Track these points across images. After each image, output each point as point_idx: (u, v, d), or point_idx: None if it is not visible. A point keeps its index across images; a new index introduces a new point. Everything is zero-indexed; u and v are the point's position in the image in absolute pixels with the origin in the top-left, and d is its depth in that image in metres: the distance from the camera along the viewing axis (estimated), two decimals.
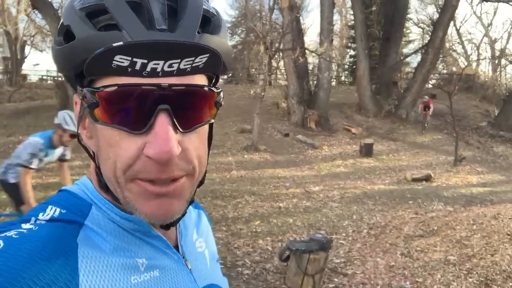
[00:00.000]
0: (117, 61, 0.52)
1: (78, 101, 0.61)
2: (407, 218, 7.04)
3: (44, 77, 32.10)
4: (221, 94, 0.62)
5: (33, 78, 32.32)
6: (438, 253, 5.46)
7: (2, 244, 0.51)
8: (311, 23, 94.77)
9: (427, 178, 11.21)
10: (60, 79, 23.61)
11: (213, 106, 0.61)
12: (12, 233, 0.53)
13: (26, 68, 32.40)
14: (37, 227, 0.55)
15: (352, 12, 24.56)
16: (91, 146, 0.62)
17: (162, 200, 0.57)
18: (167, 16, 0.55)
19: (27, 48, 31.00)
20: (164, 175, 0.56)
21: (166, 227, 0.64)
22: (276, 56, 17.42)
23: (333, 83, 27.46)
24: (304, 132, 17.27)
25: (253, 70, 31.70)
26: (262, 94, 15.09)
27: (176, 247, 0.70)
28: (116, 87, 0.53)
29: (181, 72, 0.54)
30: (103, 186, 0.61)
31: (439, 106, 19.09)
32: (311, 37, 53.44)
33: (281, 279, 4.68)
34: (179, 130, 0.56)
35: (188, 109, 0.57)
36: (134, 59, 0.52)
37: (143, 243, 0.64)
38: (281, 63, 20.79)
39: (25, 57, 30.77)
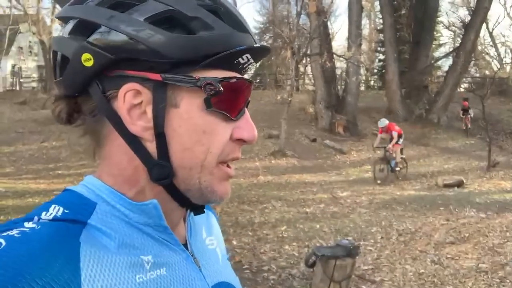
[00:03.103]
0: (242, 58, 0.62)
1: (143, 90, 0.60)
2: (437, 225, 6.88)
3: None
4: None
5: None
6: (470, 260, 5.31)
7: (4, 243, 0.51)
8: (339, 27, 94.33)
9: (459, 184, 10.93)
10: None
11: None
12: (14, 232, 0.53)
13: None
14: (39, 226, 0.55)
15: (381, 16, 24.30)
16: (148, 137, 0.61)
17: (228, 181, 0.67)
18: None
19: None
20: (240, 155, 0.67)
21: (202, 210, 0.70)
22: (303, 61, 17.38)
23: (362, 88, 27.18)
24: (331, 137, 17.14)
25: (281, 75, 31.69)
26: (289, 99, 15.07)
27: (185, 245, 0.69)
28: (235, 80, 0.62)
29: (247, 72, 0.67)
30: (162, 178, 0.61)
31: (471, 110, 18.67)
32: (340, 42, 53.20)
33: (307, 285, 4.65)
34: None
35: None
36: (250, 59, 0.63)
37: (151, 240, 0.63)
38: (309, 68, 20.74)
39: None
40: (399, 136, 12.12)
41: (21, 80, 30.95)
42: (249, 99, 0.67)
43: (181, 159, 0.61)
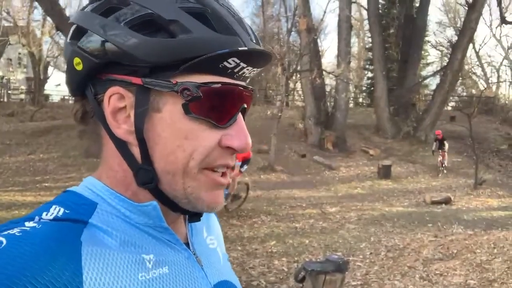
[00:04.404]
0: (228, 62, 0.59)
1: (126, 94, 0.61)
2: (426, 241, 6.90)
3: (66, 97, 32.75)
4: None
5: (55, 98, 32.99)
6: (458, 277, 5.33)
7: (4, 242, 0.50)
8: (328, 45, 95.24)
9: (447, 201, 11.00)
10: None
11: None
12: (15, 231, 0.53)
13: (48, 88, 32.99)
14: (40, 226, 0.55)
15: (369, 35, 24.65)
16: (132, 140, 0.61)
17: (219, 190, 0.65)
18: (251, 30, 0.64)
19: (50, 69, 31.70)
20: (232, 162, 0.64)
21: (198, 218, 0.69)
22: (293, 77, 17.51)
23: (351, 105, 27.40)
24: (321, 153, 17.21)
25: (271, 91, 31.86)
26: (279, 115, 15.14)
27: (187, 244, 0.69)
28: (220, 85, 0.60)
29: (246, 78, 0.64)
30: (146, 182, 0.61)
31: (458, 128, 18.84)
32: (329, 59, 53.67)
33: None
34: None
35: (247, 110, 0.67)
36: (241, 63, 0.60)
37: (152, 239, 0.63)
38: (298, 85, 20.90)
39: (48, 78, 31.41)
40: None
41: (9, 91, 30.67)
42: (245, 106, 0.64)
43: (165, 164, 0.60)
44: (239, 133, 0.62)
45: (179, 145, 0.59)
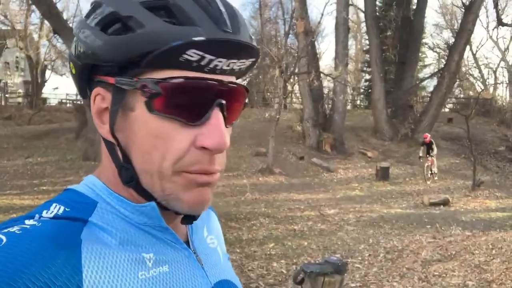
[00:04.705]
0: (188, 55, 0.55)
1: (105, 94, 0.61)
2: (424, 243, 6.91)
3: (64, 101, 32.75)
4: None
5: (53, 101, 32.99)
6: (457, 278, 5.33)
7: (4, 240, 0.50)
8: (326, 47, 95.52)
9: (445, 203, 11.02)
10: (79, 102, 24.06)
11: (243, 106, 0.66)
12: (15, 228, 0.53)
13: (46, 91, 32.94)
14: (40, 223, 0.55)
15: (367, 37, 24.69)
16: (114, 139, 0.61)
17: (203, 188, 0.60)
18: (229, 19, 0.58)
19: (47, 72, 31.65)
20: (212, 167, 0.59)
21: (190, 220, 0.66)
22: (291, 79, 17.54)
23: (348, 107, 27.45)
24: (319, 155, 17.21)
25: (268, 93, 31.90)
26: (277, 117, 15.15)
27: (187, 243, 0.69)
28: (182, 80, 0.56)
29: (231, 72, 0.60)
30: (129, 181, 0.61)
31: (455, 130, 18.87)
32: (326, 61, 53.89)
33: None
34: (226, 125, 0.60)
35: (233, 106, 0.61)
36: (205, 55, 0.55)
37: (152, 238, 0.63)
38: (296, 87, 20.93)
39: (45, 81, 31.38)
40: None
41: (7, 95, 30.64)
42: (221, 101, 0.58)
43: (142, 164, 0.60)
44: (212, 131, 0.57)
45: (153, 145, 0.58)
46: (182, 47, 0.54)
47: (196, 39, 0.54)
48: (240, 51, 0.58)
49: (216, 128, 0.57)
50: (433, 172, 14.78)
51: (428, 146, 14.81)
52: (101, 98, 0.62)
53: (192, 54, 0.55)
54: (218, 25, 0.57)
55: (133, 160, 0.60)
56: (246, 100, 0.66)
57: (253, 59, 0.61)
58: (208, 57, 0.56)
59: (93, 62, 0.60)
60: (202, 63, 0.56)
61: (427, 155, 14.74)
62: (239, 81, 0.63)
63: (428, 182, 14.35)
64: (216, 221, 0.86)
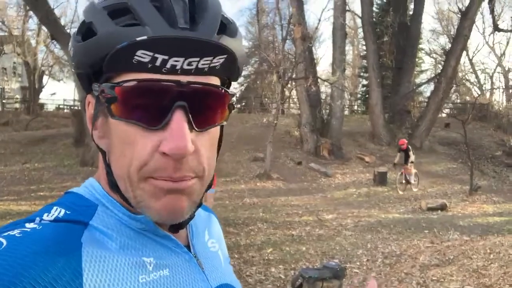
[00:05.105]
0: (138, 56, 0.53)
1: (92, 100, 0.62)
2: (422, 247, 6.91)
3: (61, 106, 32.68)
4: (234, 97, 0.63)
5: (50, 107, 32.90)
6: (455, 282, 5.33)
7: (5, 243, 0.50)
8: (323, 53, 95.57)
9: (443, 207, 11.02)
10: (76, 107, 24.05)
11: (226, 109, 0.62)
12: (15, 232, 0.53)
13: (43, 97, 33.04)
14: (41, 227, 0.55)
15: (364, 43, 24.79)
16: (102, 146, 0.62)
17: (172, 195, 0.57)
18: (188, 17, 0.57)
19: (45, 78, 31.62)
20: (178, 173, 0.56)
21: (175, 229, 0.64)
22: (288, 85, 17.57)
23: (346, 112, 27.48)
24: (317, 161, 17.21)
25: (266, 99, 31.93)
26: (275, 122, 15.16)
27: (187, 247, 0.69)
28: (135, 82, 0.54)
29: (199, 72, 0.56)
30: (113, 186, 0.61)
31: (453, 135, 18.90)
32: (324, 67, 53.83)
33: None
34: (194, 129, 0.56)
35: (203, 108, 0.58)
36: (156, 55, 0.53)
37: (152, 242, 0.63)
38: (294, 92, 20.96)
39: (43, 87, 31.34)
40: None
41: (4, 101, 30.58)
42: (181, 103, 0.55)
43: (116, 169, 0.59)
44: (172, 136, 0.54)
45: (121, 150, 0.57)
46: (128, 49, 0.53)
47: (138, 39, 0.53)
48: (199, 48, 0.54)
49: (175, 133, 0.54)
50: (409, 181, 13.62)
51: (406, 154, 13.71)
52: (91, 105, 0.63)
53: (142, 55, 0.53)
54: (169, 22, 0.55)
55: (111, 165, 0.60)
56: (234, 102, 0.63)
57: (225, 56, 0.57)
58: (161, 57, 0.53)
59: (77, 70, 0.61)
60: (157, 63, 0.54)
61: (405, 163, 13.60)
62: (217, 81, 0.60)
63: (400, 192, 13.26)
64: (217, 225, 0.86)
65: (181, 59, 0.54)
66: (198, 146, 0.58)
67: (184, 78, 0.55)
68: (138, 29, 0.54)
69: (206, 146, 0.59)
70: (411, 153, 13.70)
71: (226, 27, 0.61)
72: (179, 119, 0.55)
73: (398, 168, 13.92)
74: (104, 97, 0.56)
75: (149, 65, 0.54)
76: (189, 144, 0.54)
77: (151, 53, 0.53)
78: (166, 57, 0.53)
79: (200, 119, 0.57)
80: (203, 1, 0.59)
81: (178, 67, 0.54)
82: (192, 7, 0.58)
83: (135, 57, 0.53)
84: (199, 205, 0.64)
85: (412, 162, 13.66)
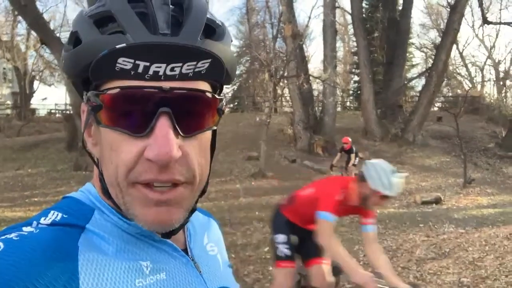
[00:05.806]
0: (120, 64, 0.53)
1: (85, 108, 0.62)
2: (418, 241, 6.94)
3: (53, 111, 32.51)
4: (223, 101, 0.62)
5: (42, 112, 32.71)
6: (451, 275, 5.36)
7: (2, 246, 0.51)
8: (314, 50, 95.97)
9: (437, 201, 11.08)
10: (68, 112, 23.91)
11: (215, 113, 0.61)
12: (12, 235, 0.53)
13: (34, 102, 32.71)
14: (38, 230, 0.55)
15: (354, 39, 24.86)
16: (96, 153, 0.63)
17: (161, 208, 0.57)
18: (171, 23, 0.56)
19: (35, 83, 31.53)
20: (164, 176, 0.55)
21: (167, 235, 0.63)
22: (280, 83, 17.59)
23: (338, 109, 27.59)
24: (311, 158, 17.24)
25: (259, 98, 31.95)
26: (268, 121, 15.16)
27: (185, 250, 0.69)
28: (118, 90, 0.54)
29: (183, 77, 0.55)
30: (105, 193, 0.61)
31: (445, 128, 18.99)
32: (315, 64, 53.96)
33: None
34: (180, 135, 0.56)
35: (189, 113, 0.57)
36: (137, 62, 0.53)
37: (148, 246, 0.63)
38: (286, 90, 20.98)
39: (34, 92, 31.23)
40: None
41: None
42: (165, 109, 0.54)
43: (106, 176, 0.60)
44: (156, 141, 0.54)
45: (109, 157, 0.58)
46: (110, 56, 0.53)
47: (118, 46, 0.53)
48: (180, 53, 0.54)
49: (159, 139, 0.54)
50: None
51: (348, 154, 12.30)
52: (85, 113, 0.63)
53: (123, 63, 0.53)
54: (150, 28, 0.55)
55: (103, 172, 0.61)
56: (223, 107, 0.63)
57: (209, 60, 0.56)
58: (142, 63, 0.53)
59: (68, 79, 0.62)
60: (139, 70, 0.53)
61: (345, 166, 12.25)
62: (205, 86, 0.60)
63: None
64: (216, 228, 0.87)
65: (163, 65, 0.54)
66: (187, 151, 0.57)
67: (167, 84, 0.55)
68: (119, 37, 0.54)
69: (195, 151, 0.58)
70: (353, 155, 12.27)
71: (214, 31, 0.61)
72: (163, 125, 0.54)
73: (336, 171, 12.72)
74: (90, 105, 0.57)
75: (132, 72, 0.54)
76: (174, 150, 0.54)
77: (132, 60, 0.53)
78: (147, 64, 0.53)
79: (186, 124, 0.57)
80: (189, 6, 0.59)
81: (161, 73, 0.54)
82: (178, 11, 0.58)
83: (117, 64, 0.53)
84: (192, 211, 0.64)
85: (354, 165, 12.07)
